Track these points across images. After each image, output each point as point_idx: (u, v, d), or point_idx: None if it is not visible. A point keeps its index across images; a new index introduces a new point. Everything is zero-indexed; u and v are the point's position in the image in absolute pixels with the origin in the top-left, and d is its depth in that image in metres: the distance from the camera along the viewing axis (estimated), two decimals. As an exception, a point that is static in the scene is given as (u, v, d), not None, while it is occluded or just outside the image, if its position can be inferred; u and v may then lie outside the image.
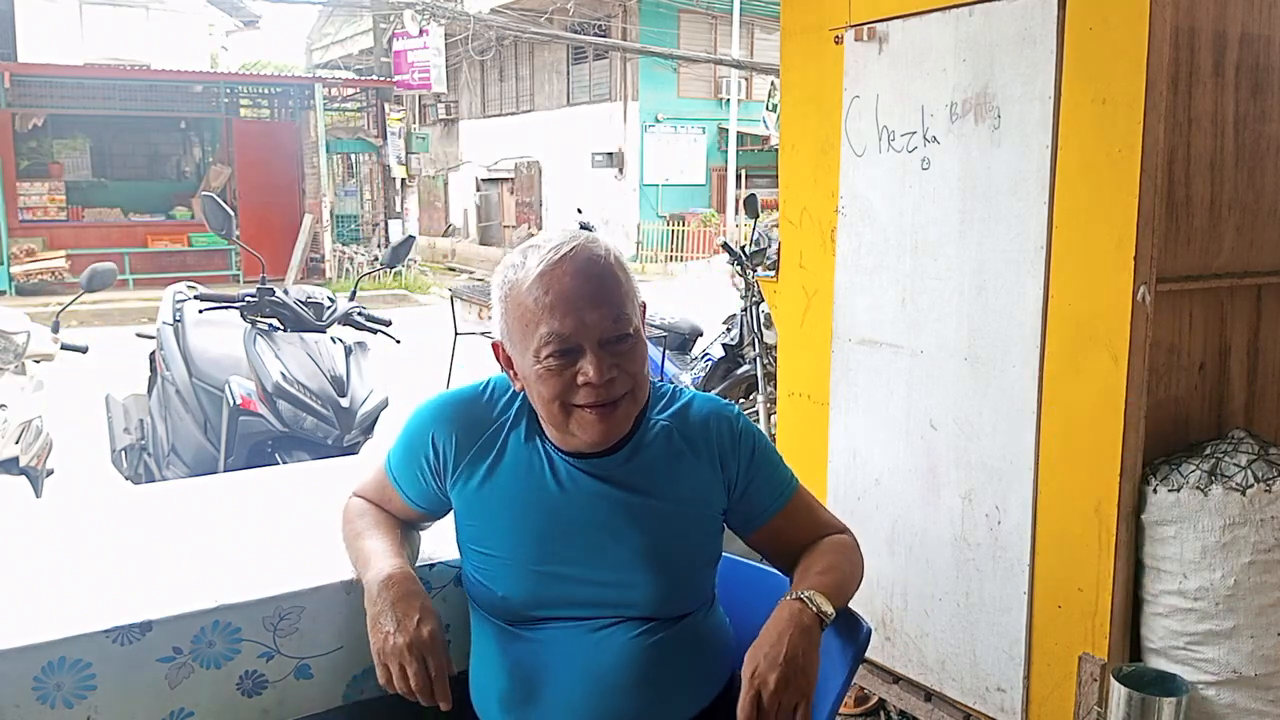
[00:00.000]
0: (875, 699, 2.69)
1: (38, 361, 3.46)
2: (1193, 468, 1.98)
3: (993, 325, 2.17)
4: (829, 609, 1.34)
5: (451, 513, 1.48)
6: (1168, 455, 2.06)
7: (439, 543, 1.55)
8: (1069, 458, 2.05)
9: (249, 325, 3.26)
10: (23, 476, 3.27)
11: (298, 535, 1.62)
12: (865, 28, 2.39)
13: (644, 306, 1.40)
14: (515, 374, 1.39)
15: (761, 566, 1.61)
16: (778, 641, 1.29)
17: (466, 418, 1.44)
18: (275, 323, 3.30)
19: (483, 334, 5.21)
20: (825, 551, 1.47)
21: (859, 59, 2.42)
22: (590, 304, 1.29)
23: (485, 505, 1.41)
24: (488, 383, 1.49)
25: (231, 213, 3.22)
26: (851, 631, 1.47)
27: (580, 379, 1.29)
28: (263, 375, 3.10)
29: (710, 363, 5.34)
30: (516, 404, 1.44)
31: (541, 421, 1.40)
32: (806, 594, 1.34)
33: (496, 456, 1.42)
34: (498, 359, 1.42)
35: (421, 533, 1.59)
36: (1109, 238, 1.93)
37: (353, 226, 17.68)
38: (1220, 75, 2.02)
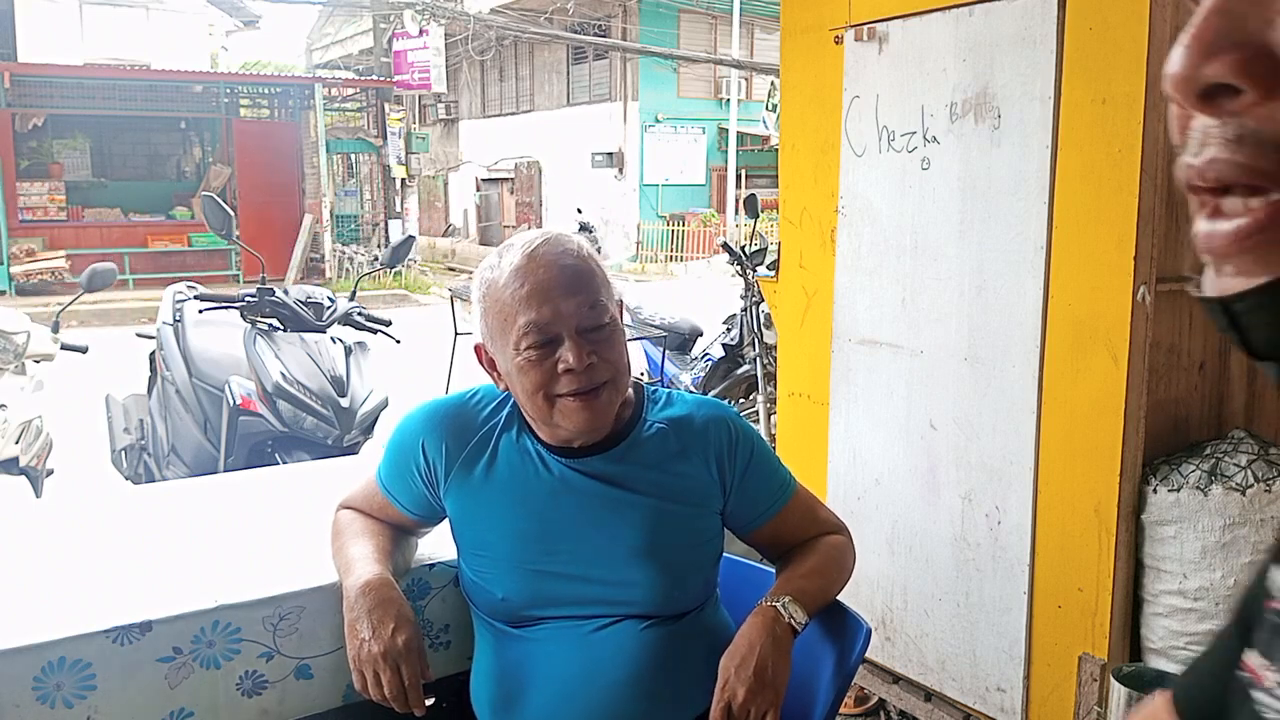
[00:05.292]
0: (875, 699, 2.69)
1: (38, 361, 3.46)
2: (1193, 468, 1.98)
3: (993, 325, 2.16)
4: (802, 618, 1.37)
5: (447, 520, 1.48)
6: (1168, 455, 2.06)
7: (439, 542, 1.55)
8: (1069, 458, 2.05)
9: (249, 325, 3.26)
10: (23, 476, 3.28)
11: (298, 535, 1.62)
12: (865, 28, 2.39)
13: (620, 302, 1.42)
14: (498, 375, 1.40)
15: (762, 567, 1.61)
16: (749, 652, 1.32)
17: (455, 424, 1.44)
18: (275, 323, 3.30)
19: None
20: (813, 552, 1.49)
21: (859, 59, 2.42)
22: (565, 292, 1.31)
23: (481, 508, 1.42)
24: (475, 391, 1.49)
25: (231, 213, 3.22)
26: (852, 631, 1.47)
27: (561, 366, 1.31)
28: (263, 375, 3.10)
29: (710, 363, 5.32)
30: (506, 409, 1.45)
31: (528, 418, 1.41)
32: (783, 602, 1.37)
33: (489, 460, 1.42)
34: (480, 362, 1.43)
35: (419, 538, 1.58)
36: (1109, 238, 1.93)
37: (353, 226, 17.64)
38: (1220, 75, 2.02)
